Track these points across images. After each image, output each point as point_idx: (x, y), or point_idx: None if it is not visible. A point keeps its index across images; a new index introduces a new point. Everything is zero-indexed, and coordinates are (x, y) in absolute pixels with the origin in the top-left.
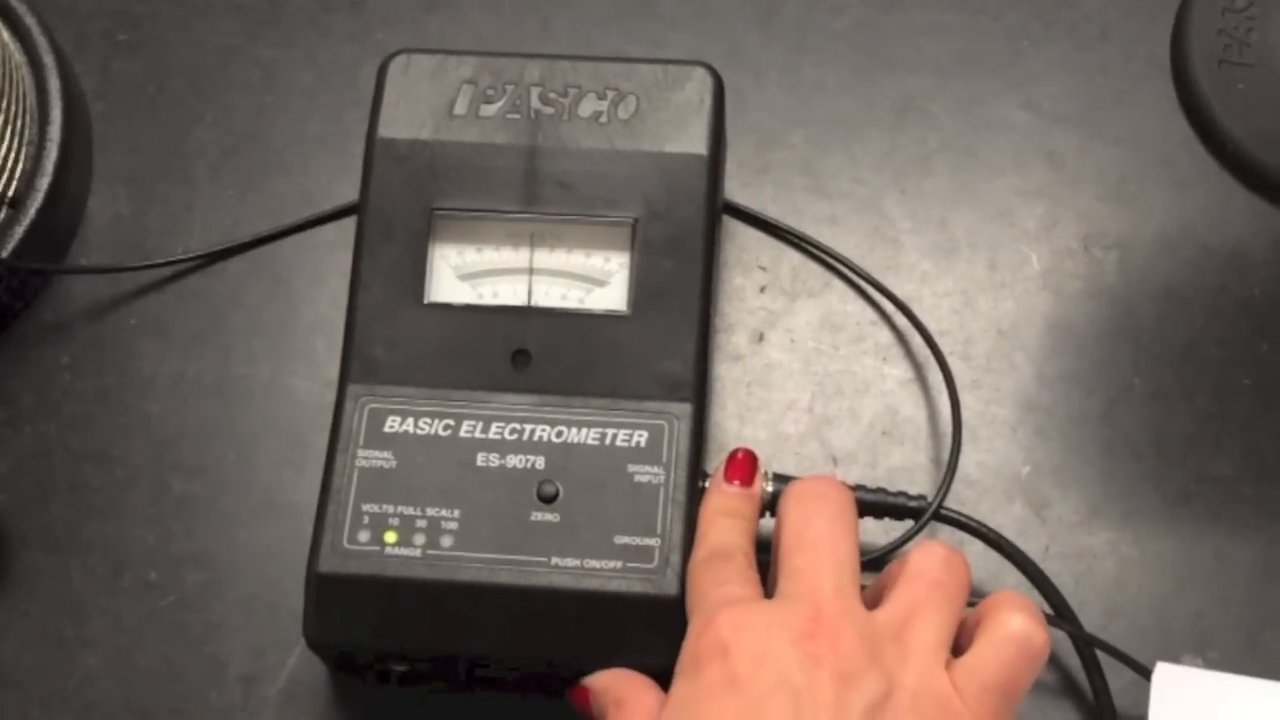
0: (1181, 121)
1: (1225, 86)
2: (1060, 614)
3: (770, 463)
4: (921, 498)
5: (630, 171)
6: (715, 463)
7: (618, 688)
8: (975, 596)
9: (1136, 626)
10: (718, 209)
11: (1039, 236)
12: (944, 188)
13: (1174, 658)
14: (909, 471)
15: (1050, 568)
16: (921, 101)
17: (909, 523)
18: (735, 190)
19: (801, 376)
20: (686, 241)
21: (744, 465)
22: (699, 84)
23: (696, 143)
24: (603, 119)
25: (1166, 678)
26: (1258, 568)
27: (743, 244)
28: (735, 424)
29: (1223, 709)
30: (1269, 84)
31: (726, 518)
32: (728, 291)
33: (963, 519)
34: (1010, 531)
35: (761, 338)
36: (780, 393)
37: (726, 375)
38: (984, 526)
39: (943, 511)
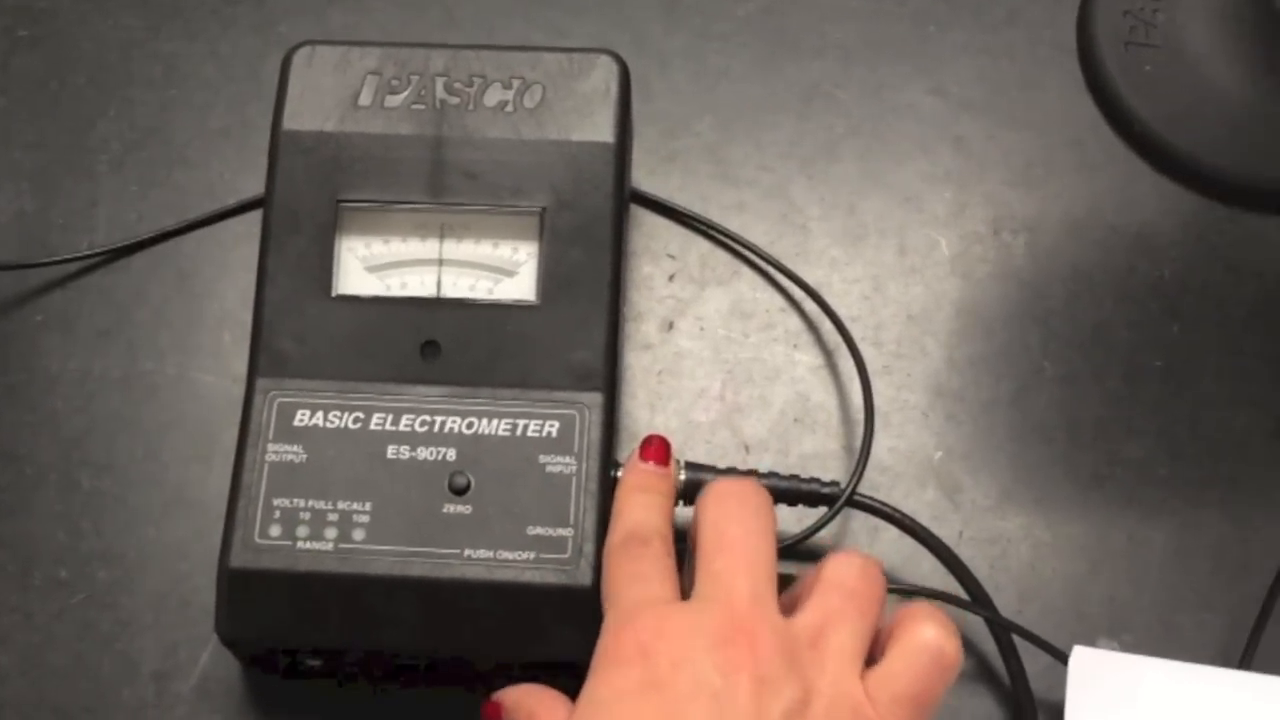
0: (1089, 104)
1: (1132, 68)
2: (976, 599)
3: (683, 451)
4: (834, 484)
5: (537, 161)
6: (627, 452)
7: (529, 702)
8: (892, 582)
9: (1051, 610)
10: (625, 197)
11: (948, 221)
12: (852, 174)
13: (1089, 641)
14: (821, 458)
15: (964, 553)
16: (828, 88)
17: (822, 510)
18: (642, 179)
19: (712, 364)
20: (594, 230)
21: (659, 447)
22: (605, 72)
23: (603, 131)
24: (508, 108)
25: (1083, 661)
26: (1171, 550)
27: (651, 232)
28: (646, 413)
29: (1139, 691)
30: (1175, 64)
31: (642, 493)
32: (636, 280)
33: (876, 505)
34: (924, 517)
35: (671, 326)
36: (691, 381)
37: (636, 364)
38: (898, 512)
39: (856, 498)
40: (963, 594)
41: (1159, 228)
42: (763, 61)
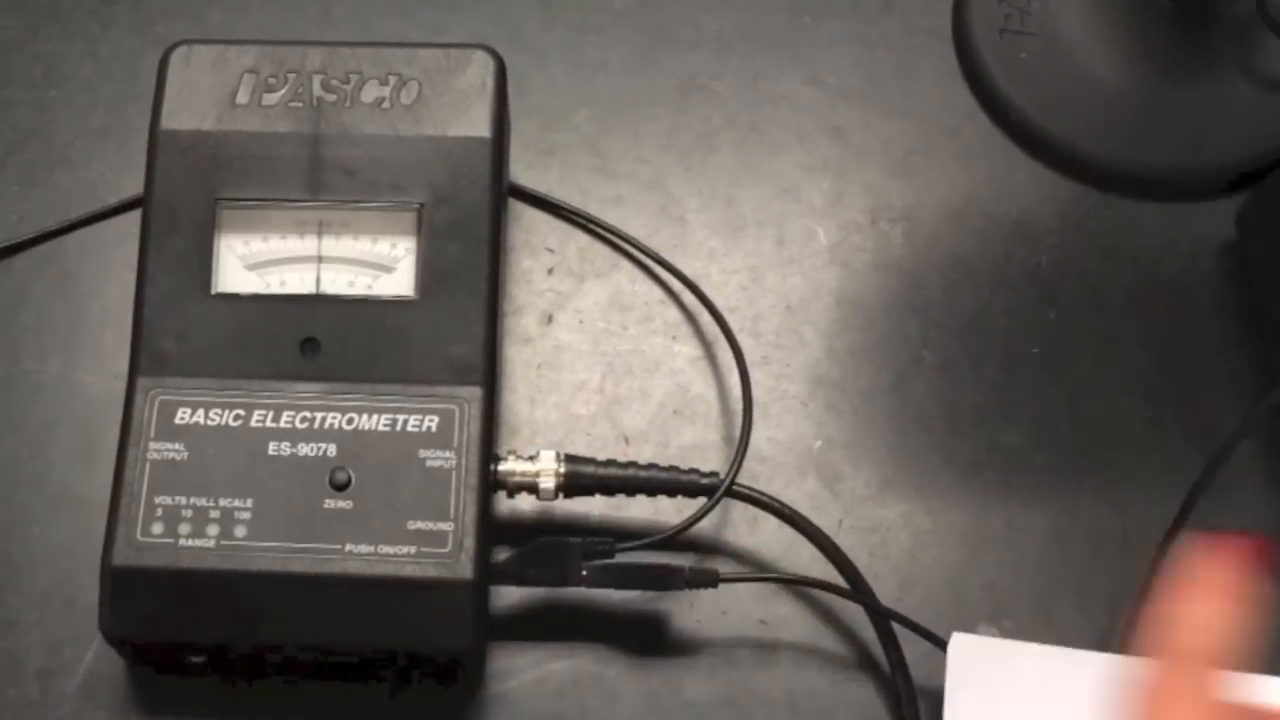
0: (965, 92)
1: (1007, 55)
2: (855, 587)
3: (563, 444)
4: (713, 475)
5: (414, 156)
6: (506, 446)
7: None
8: (769, 570)
9: (931, 598)
10: (503, 191)
11: (826, 211)
12: (729, 165)
13: (969, 628)
14: (701, 449)
15: (844, 541)
16: (704, 79)
17: (702, 501)
18: (520, 173)
19: (591, 357)
20: (472, 225)
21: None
22: (480, 67)
23: (479, 125)
24: (385, 105)
25: (962, 647)
26: (1049, 535)
27: (530, 226)
28: (526, 406)
29: (1018, 676)
30: (1051, 52)
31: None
32: (516, 274)
33: (755, 495)
34: (804, 506)
35: (550, 320)
36: (570, 374)
37: (516, 358)
38: (777, 502)
39: (735, 488)
40: (842, 582)
41: (1036, 215)
42: (640, 54)
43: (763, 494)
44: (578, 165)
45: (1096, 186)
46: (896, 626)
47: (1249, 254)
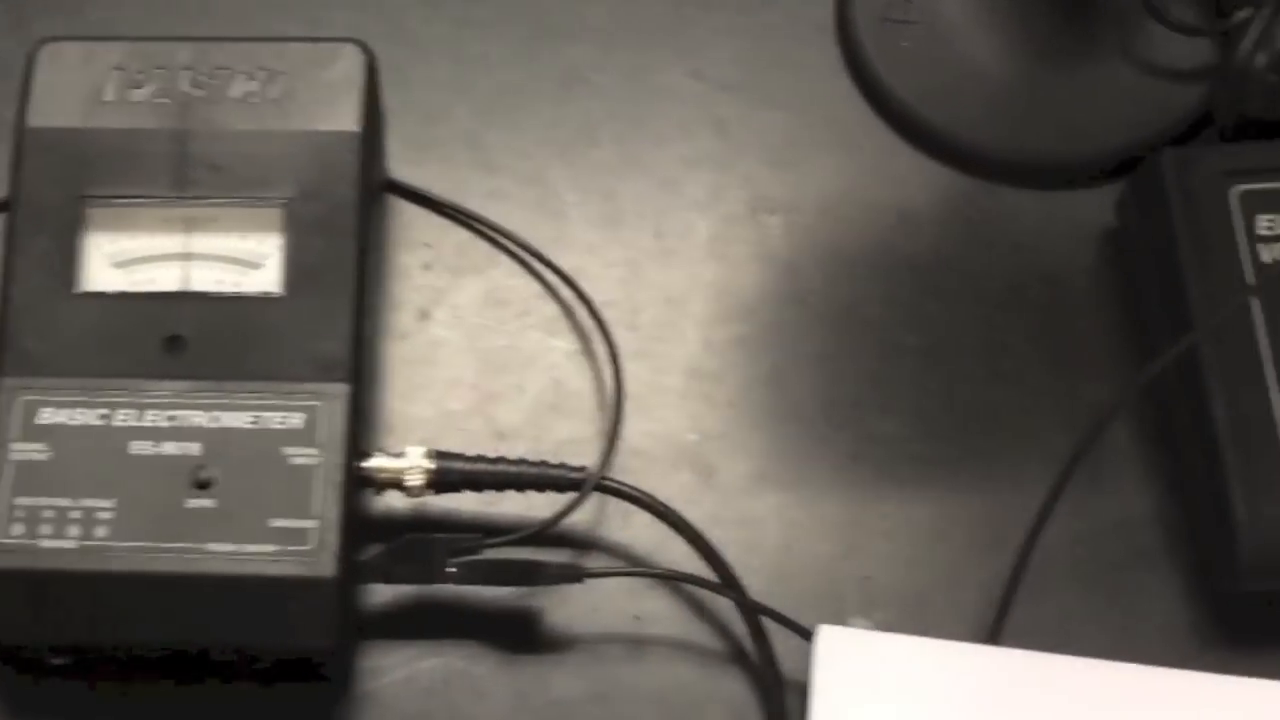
0: (847, 82)
1: (889, 44)
2: (725, 581)
3: (435, 440)
4: (582, 469)
5: (282, 152)
6: (379, 442)
7: None
8: (643, 565)
9: (805, 591)
10: (372, 186)
11: (706, 204)
12: (610, 158)
13: (842, 620)
14: (576, 444)
15: (717, 535)
16: (586, 72)
17: (573, 496)
18: (399, 168)
19: (467, 353)
20: (339, 220)
21: None
22: (349, 61)
23: (348, 120)
24: (254, 100)
25: (829, 640)
26: (926, 527)
27: (407, 222)
28: (399, 403)
29: (887, 668)
30: (933, 40)
31: None
32: (392, 270)
33: (625, 489)
34: (678, 500)
35: (426, 315)
36: (445, 370)
37: (391, 354)
38: (647, 496)
39: (605, 482)
40: (713, 576)
41: (916, 205)
42: (521, 47)
43: (633, 488)
44: (457, 160)
45: (977, 175)
46: (768, 621)
47: (1126, 242)
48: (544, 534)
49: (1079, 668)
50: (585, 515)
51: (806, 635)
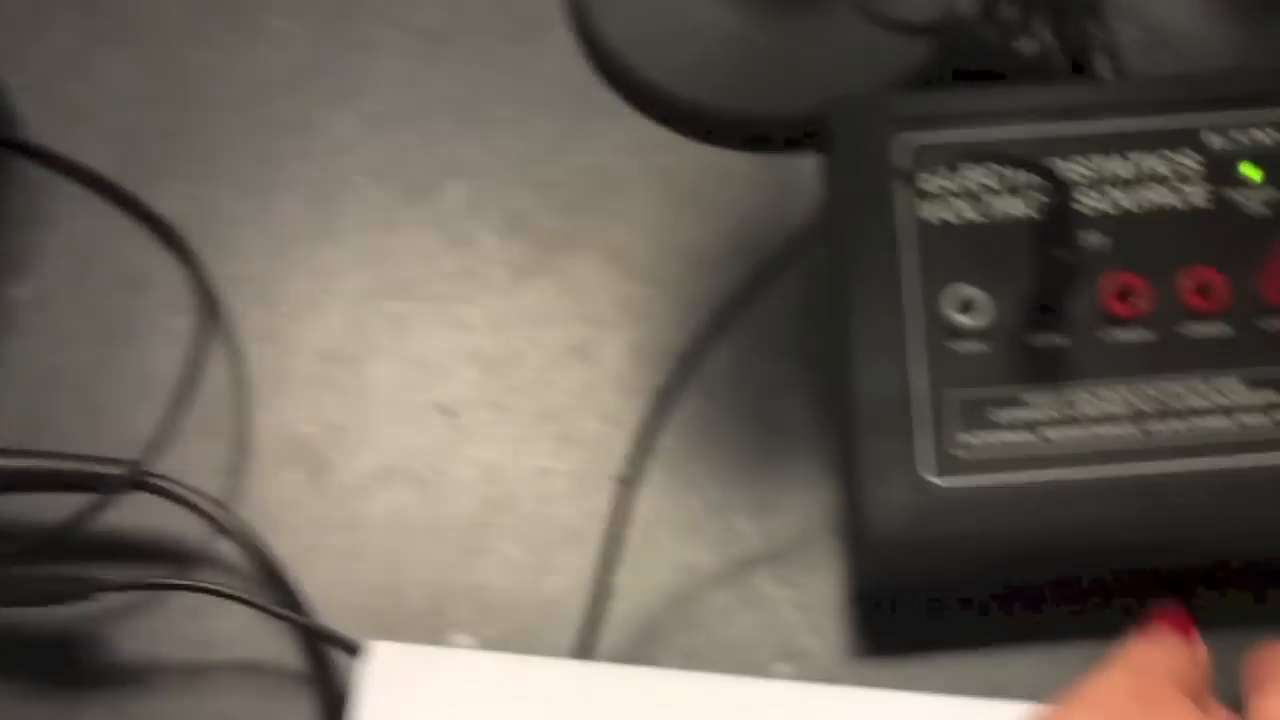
0: (564, 34)
1: None
2: (280, 594)
3: None
4: (128, 463)
5: None
6: None
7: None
8: (187, 577)
9: (405, 605)
10: None
11: (383, 169)
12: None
13: (437, 638)
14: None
15: (318, 540)
16: (270, 16)
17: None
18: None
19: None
20: None
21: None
22: None
23: None
24: None
25: (381, 657)
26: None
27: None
28: None
29: (445, 685)
30: None
31: None
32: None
33: (168, 487)
34: (282, 501)
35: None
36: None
37: None
38: (196, 495)
39: (149, 480)
40: (265, 589)
41: (624, 166)
42: None
43: (184, 486)
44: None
45: (692, 135)
46: (324, 639)
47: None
48: (66, 541)
49: (662, 680)
50: (119, 514)
51: (351, 650)
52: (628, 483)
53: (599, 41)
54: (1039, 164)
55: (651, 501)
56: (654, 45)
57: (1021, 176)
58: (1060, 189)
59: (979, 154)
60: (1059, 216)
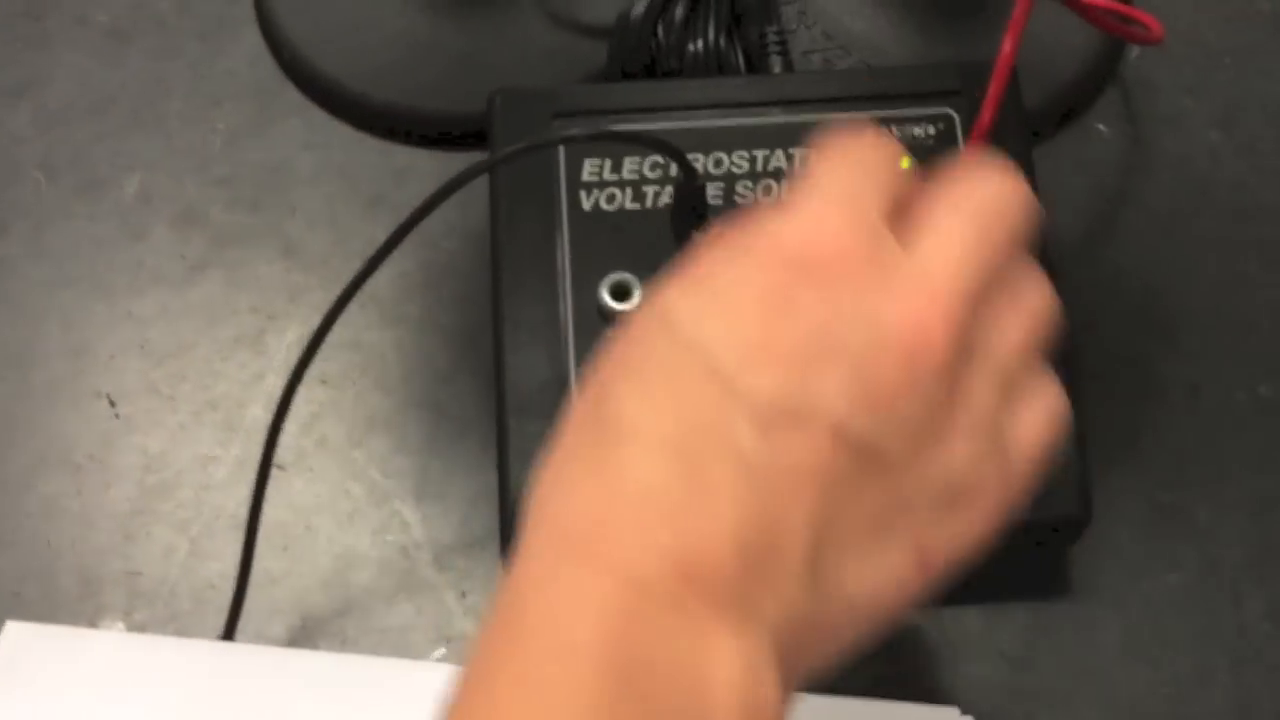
0: (254, 33)
1: None
2: None
3: None
4: None
5: None
6: None
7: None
8: None
9: (67, 588)
10: None
11: (57, 167)
12: None
13: (98, 621)
14: None
15: None
16: None
17: None
18: None
19: None
20: None
21: None
22: None
23: None
24: None
25: (9, 636)
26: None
27: None
28: None
29: (72, 662)
30: None
31: None
32: None
33: None
34: None
35: None
36: None
37: None
38: None
39: None
40: None
41: (301, 162)
42: None
43: None
44: None
45: (375, 132)
46: None
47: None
48: None
49: (302, 661)
50: None
51: None
52: (284, 468)
53: (283, 39)
54: (673, 148)
55: (314, 489)
56: (338, 44)
57: (673, 167)
58: (690, 174)
59: (612, 138)
60: (692, 202)
